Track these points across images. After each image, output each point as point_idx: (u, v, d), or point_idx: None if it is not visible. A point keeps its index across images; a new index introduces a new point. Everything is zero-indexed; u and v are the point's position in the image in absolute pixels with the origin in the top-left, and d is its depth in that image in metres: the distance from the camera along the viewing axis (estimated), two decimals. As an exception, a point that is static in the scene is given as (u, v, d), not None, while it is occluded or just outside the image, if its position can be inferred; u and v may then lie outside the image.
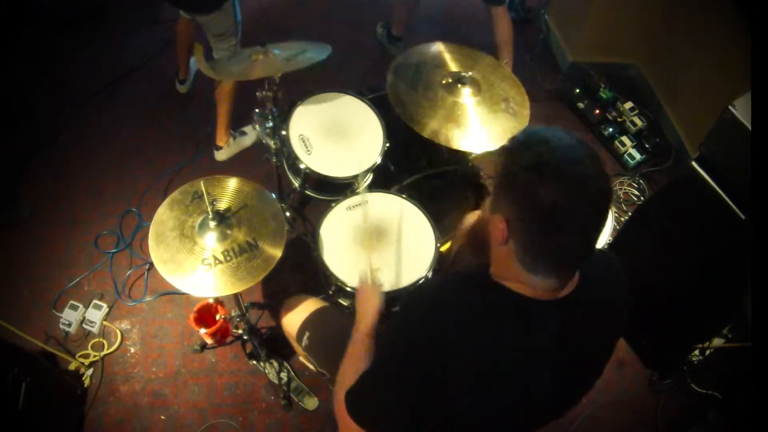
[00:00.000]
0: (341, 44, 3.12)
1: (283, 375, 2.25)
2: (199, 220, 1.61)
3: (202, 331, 2.14)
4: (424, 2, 3.41)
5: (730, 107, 1.72)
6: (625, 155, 3.05)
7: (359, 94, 2.18)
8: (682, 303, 2.15)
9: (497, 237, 0.96)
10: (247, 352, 2.30)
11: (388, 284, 1.72)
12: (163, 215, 1.63)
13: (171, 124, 3.05)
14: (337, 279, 1.74)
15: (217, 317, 2.13)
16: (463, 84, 1.99)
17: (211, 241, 1.57)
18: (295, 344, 1.80)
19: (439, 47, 2.13)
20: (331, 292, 1.85)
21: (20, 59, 3.23)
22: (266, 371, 2.26)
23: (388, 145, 2.05)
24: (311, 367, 1.84)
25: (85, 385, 2.24)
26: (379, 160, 2.02)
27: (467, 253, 1.78)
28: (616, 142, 3.08)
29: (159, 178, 2.81)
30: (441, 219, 1.96)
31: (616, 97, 3.19)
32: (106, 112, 3.06)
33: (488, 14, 2.92)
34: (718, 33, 2.69)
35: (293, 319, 1.77)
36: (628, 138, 3.08)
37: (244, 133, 2.93)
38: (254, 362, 2.29)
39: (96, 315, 2.37)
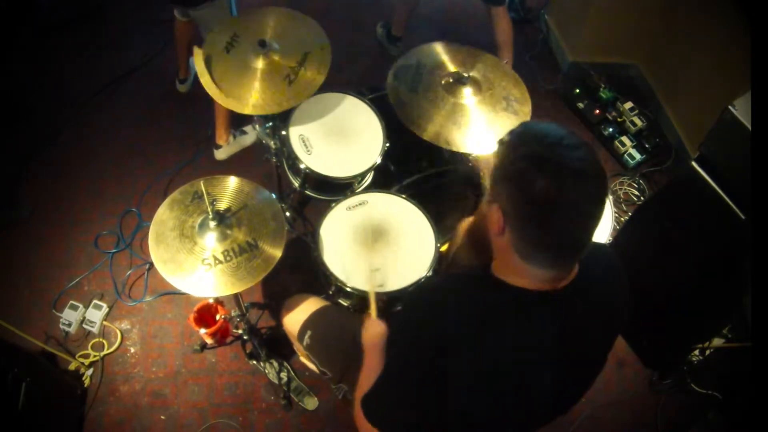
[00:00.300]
0: (341, 44, 3.12)
1: (283, 375, 2.25)
2: (199, 220, 1.61)
3: (202, 331, 2.14)
4: (424, 2, 3.41)
5: (730, 107, 1.72)
6: (625, 155, 3.05)
7: (359, 94, 2.18)
8: (682, 303, 2.15)
9: (495, 228, 0.98)
10: (247, 352, 2.30)
11: (388, 284, 1.72)
12: (163, 215, 1.63)
13: (171, 124, 3.04)
14: (337, 279, 1.74)
15: (217, 317, 2.13)
16: (464, 84, 1.99)
17: (211, 241, 1.58)
18: (296, 343, 1.80)
19: (438, 47, 2.13)
20: (331, 292, 1.85)
21: (20, 59, 3.22)
22: (266, 371, 2.26)
23: (388, 145, 2.06)
24: (312, 366, 1.84)
25: (85, 385, 2.24)
26: (379, 160, 2.02)
27: (466, 256, 1.78)
28: (616, 142, 3.08)
29: (159, 178, 2.81)
30: (441, 219, 1.96)
31: (616, 97, 3.19)
32: (106, 112, 3.06)
33: (488, 14, 2.92)
34: (718, 33, 2.69)
35: (295, 319, 1.77)
36: (628, 138, 3.08)
37: (244, 133, 2.93)
38: (254, 362, 2.29)
39: (96, 315, 2.37)
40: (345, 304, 1.84)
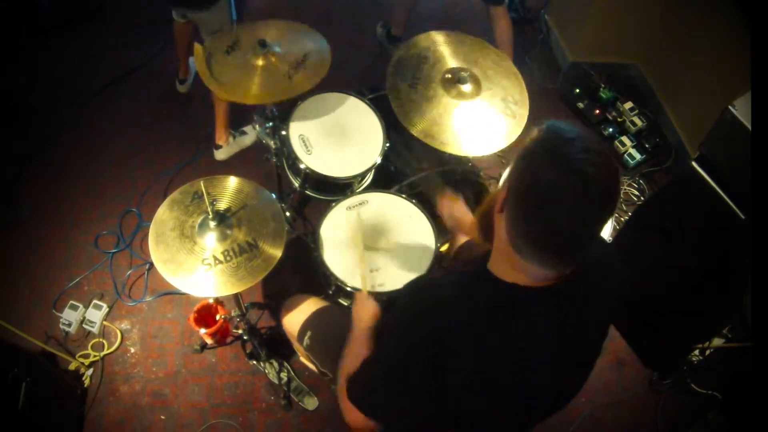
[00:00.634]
0: (341, 44, 3.12)
1: (283, 375, 2.25)
2: (199, 220, 1.61)
3: (202, 331, 2.14)
4: (424, 2, 3.41)
5: (730, 107, 1.72)
6: (625, 155, 3.05)
7: (359, 94, 2.18)
8: (682, 303, 2.15)
9: (497, 206, 0.99)
10: (247, 352, 2.30)
11: (388, 284, 1.72)
12: (163, 215, 1.63)
13: (171, 124, 3.04)
14: (337, 279, 1.74)
15: (217, 317, 2.13)
16: (463, 82, 1.98)
17: (211, 241, 1.58)
18: (296, 344, 1.80)
19: (438, 37, 2.09)
20: (331, 292, 1.85)
21: (20, 59, 3.22)
22: (266, 371, 2.26)
23: (388, 145, 2.06)
24: (312, 367, 1.84)
25: (85, 385, 2.24)
26: (379, 160, 2.02)
27: (467, 251, 1.78)
28: (616, 142, 3.07)
29: (159, 178, 2.81)
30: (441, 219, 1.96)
31: (616, 97, 3.19)
32: (106, 112, 3.06)
33: (488, 14, 2.92)
34: (718, 33, 2.69)
35: (294, 319, 1.77)
36: (628, 138, 3.08)
37: (244, 133, 2.92)
38: (254, 362, 2.29)
39: (96, 315, 2.37)
40: (345, 304, 1.84)
